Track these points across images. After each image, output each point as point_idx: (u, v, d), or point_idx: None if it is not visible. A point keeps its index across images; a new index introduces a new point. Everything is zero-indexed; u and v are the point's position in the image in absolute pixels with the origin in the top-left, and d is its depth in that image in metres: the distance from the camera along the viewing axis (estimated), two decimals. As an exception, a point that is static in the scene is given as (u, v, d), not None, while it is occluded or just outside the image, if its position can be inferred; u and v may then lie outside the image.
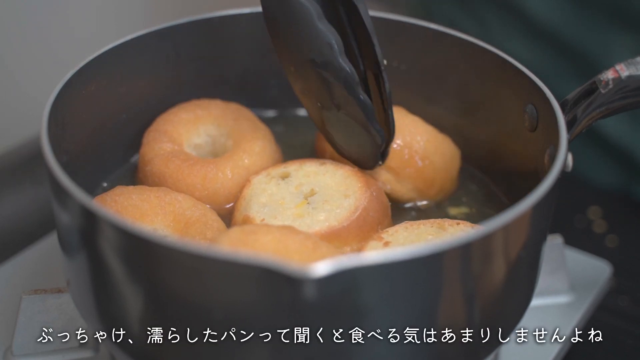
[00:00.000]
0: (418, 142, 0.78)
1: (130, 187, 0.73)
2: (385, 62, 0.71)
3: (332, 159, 0.80)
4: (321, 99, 0.73)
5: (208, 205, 0.75)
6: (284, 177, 0.76)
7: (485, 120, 0.81)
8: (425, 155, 0.78)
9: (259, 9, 0.84)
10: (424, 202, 0.80)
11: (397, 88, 0.86)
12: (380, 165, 0.75)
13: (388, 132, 0.73)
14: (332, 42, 0.68)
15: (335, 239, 0.70)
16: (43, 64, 1.09)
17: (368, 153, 0.74)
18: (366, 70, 0.73)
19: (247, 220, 0.72)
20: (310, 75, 0.71)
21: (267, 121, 0.85)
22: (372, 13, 0.84)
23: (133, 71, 0.80)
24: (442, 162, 0.79)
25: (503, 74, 0.77)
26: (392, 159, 0.77)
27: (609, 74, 0.71)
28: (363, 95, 0.69)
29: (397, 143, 0.78)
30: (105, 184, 0.80)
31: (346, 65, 0.68)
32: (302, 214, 0.72)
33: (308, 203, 0.73)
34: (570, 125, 0.70)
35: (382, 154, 0.74)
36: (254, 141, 0.80)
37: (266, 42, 0.85)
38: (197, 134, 0.82)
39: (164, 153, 0.78)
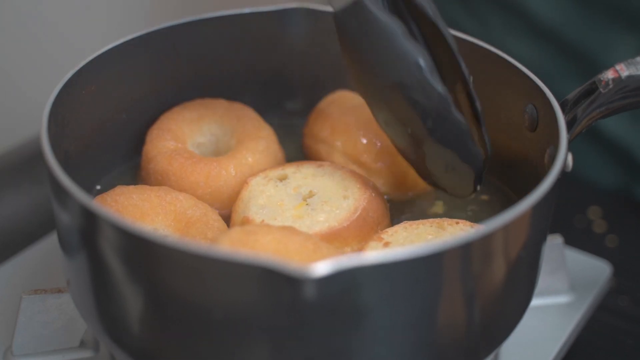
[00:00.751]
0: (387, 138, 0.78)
1: (131, 187, 0.73)
2: (471, 78, 0.67)
3: (318, 157, 0.80)
4: (411, 125, 0.67)
5: (211, 205, 0.75)
6: (282, 179, 0.76)
7: (484, 120, 0.81)
8: (394, 150, 0.78)
9: (259, 9, 0.84)
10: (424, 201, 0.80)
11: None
12: (477, 190, 0.70)
13: (485, 152, 0.70)
14: (420, 62, 0.62)
15: (335, 239, 0.70)
16: (43, 64, 1.09)
17: (466, 178, 0.70)
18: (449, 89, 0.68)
19: (246, 222, 0.72)
20: (397, 101, 0.65)
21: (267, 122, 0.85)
22: (372, 13, 0.84)
23: (133, 71, 0.80)
24: None
25: (503, 74, 0.77)
26: (363, 154, 0.78)
27: (609, 74, 0.71)
28: (459, 115, 0.64)
29: (367, 138, 0.78)
30: (105, 184, 0.80)
31: (438, 84, 0.63)
32: (301, 215, 0.72)
33: (307, 204, 0.73)
34: (570, 125, 0.70)
35: (479, 178, 0.70)
36: (258, 140, 0.80)
37: (267, 42, 0.86)
38: (200, 132, 0.82)
39: (167, 151, 0.78)
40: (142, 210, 0.71)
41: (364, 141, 0.79)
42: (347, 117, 0.81)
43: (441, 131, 0.65)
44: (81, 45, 0.87)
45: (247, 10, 0.84)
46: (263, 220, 0.71)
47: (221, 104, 0.83)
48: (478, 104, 0.67)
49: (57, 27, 1.10)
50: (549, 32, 1.06)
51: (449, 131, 0.65)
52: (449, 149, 0.67)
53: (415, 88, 0.63)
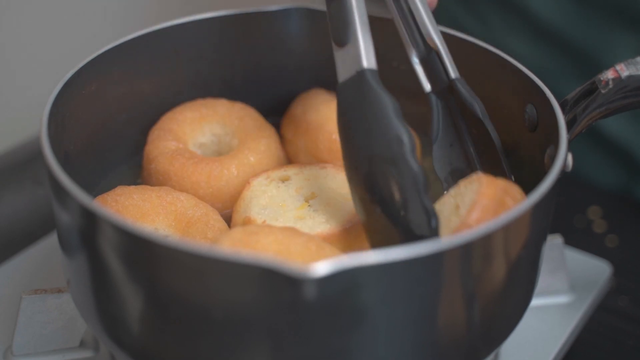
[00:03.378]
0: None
1: (132, 187, 0.73)
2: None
3: (290, 158, 0.82)
4: (381, 204, 0.66)
5: (212, 205, 0.75)
6: (284, 180, 0.76)
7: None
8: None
9: (259, 9, 0.84)
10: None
11: (397, 88, 0.86)
12: None
13: None
14: (403, 137, 0.64)
15: (337, 241, 0.70)
16: (43, 64, 1.09)
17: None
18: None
19: (248, 222, 0.72)
20: (373, 175, 0.66)
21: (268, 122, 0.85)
22: (372, 13, 0.84)
23: (133, 71, 0.80)
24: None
25: (503, 74, 0.77)
26: (325, 152, 0.80)
27: (609, 74, 0.71)
28: (427, 201, 0.63)
29: (328, 136, 0.80)
30: (105, 184, 0.80)
31: (414, 163, 0.63)
32: (303, 216, 0.72)
33: (309, 205, 0.73)
34: (570, 125, 0.70)
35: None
36: (260, 140, 0.80)
37: (267, 42, 0.86)
38: (202, 132, 0.82)
39: (169, 151, 0.78)
40: (143, 210, 0.71)
41: (325, 140, 0.79)
42: (309, 115, 0.81)
43: (406, 210, 0.64)
44: (81, 45, 0.87)
45: (247, 10, 0.84)
46: (265, 221, 0.71)
47: (223, 104, 0.83)
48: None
49: (57, 27, 1.10)
50: (549, 32, 1.06)
51: (415, 212, 0.63)
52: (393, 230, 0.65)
53: (391, 161, 0.64)
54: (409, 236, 0.64)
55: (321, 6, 0.84)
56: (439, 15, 1.16)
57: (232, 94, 0.86)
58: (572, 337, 0.81)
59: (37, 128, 0.67)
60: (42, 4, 1.07)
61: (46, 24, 1.09)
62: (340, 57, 0.68)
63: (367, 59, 0.67)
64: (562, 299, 0.83)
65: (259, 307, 0.57)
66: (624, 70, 0.71)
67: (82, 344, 0.75)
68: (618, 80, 0.70)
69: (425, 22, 0.75)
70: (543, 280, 0.81)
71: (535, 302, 0.80)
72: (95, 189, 0.79)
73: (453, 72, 0.74)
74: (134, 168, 0.82)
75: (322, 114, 0.80)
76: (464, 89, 0.73)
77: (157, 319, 0.61)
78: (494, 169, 0.73)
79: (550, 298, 0.83)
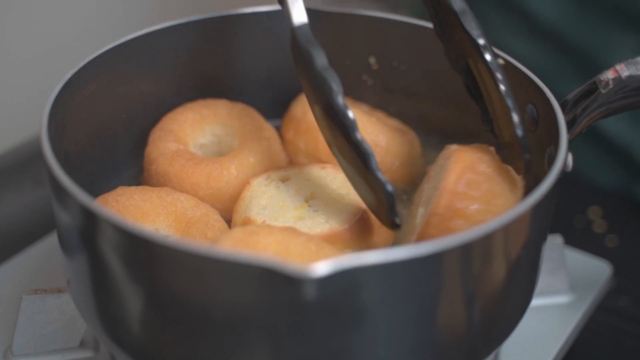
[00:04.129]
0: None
1: (133, 188, 0.73)
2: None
3: (291, 159, 0.81)
4: (336, 144, 0.70)
5: (212, 206, 0.75)
6: (284, 180, 0.76)
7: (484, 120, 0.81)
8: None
9: (260, 8, 0.84)
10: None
11: (397, 88, 0.86)
12: (398, 226, 0.68)
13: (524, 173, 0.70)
14: (328, 85, 0.67)
15: (336, 241, 0.70)
16: (43, 64, 1.09)
17: (376, 206, 0.69)
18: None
19: (247, 222, 0.72)
20: (321, 119, 0.71)
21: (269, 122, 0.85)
22: (372, 13, 0.84)
23: (133, 71, 0.80)
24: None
25: (503, 74, 0.77)
26: (324, 154, 0.79)
27: (609, 74, 0.71)
28: (361, 139, 0.66)
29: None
30: (105, 184, 0.80)
31: (343, 107, 0.66)
32: (302, 216, 0.72)
33: (309, 206, 0.73)
34: (570, 125, 0.70)
35: (391, 211, 0.67)
36: (260, 140, 0.80)
37: (267, 42, 0.86)
38: (202, 133, 0.82)
39: (169, 152, 0.78)
40: (143, 210, 0.71)
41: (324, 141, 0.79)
42: (309, 116, 0.81)
43: (350, 152, 0.68)
44: (81, 45, 0.87)
45: (247, 10, 0.84)
46: (264, 221, 0.71)
47: (223, 105, 0.83)
48: (519, 131, 0.69)
49: (57, 27, 1.10)
50: (549, 32, 1.06)
51: (355, 152, 0.67)
52: (357, 172, 0.69)
53: (327, 108, 0.68)
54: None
55: (321, 6, 0.84)
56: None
57: (233, 94, 0.86)
58: (572, 337, 0.81)
59: (37, 128, 0.67)
60: (42, 4, 1.07)
61: (46, 24, 1.09)
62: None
63: (296, 17, 0.70)
64: (562, 299, 0.83)
65: (259, 307, 0.57)
66: (624, 70, 0.71)
67: (82, 344, 0.75)
68: (618, 80, 0.70)
69: None
70: (543, 280, 0.81)
71: (535, 302, 0.80)
72: (95, 189, 0.79)
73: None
74: (134, 168, 0.82)
75: None
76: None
77: (157, 319, 0.61)
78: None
79: (550, 298, 0.83)
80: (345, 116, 0.66)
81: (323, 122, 0.70)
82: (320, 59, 0.68)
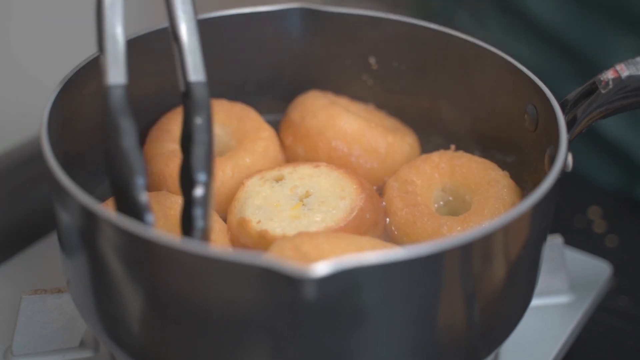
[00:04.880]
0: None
1: None
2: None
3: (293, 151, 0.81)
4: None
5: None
6: (278, 179, 0.76)
7: (485, 120, 0.81)
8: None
9: (260, 8, 0.84)
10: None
11: (397, 88, 0.86)
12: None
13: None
14: (134, 174, 0.60)
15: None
16: (43, 64, 1.09)
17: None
18: None
19: (242, 223, 0.72)
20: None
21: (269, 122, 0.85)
22: (372, 13, 0.84)
23: (133, 71, 0.79)
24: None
25: (503, 74, 0.77)
26: (324, 160, 0.79)
27: (609, 74, 0.71)
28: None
29: (327, 142, 0.79)
30: (105, 185, 0.80)
31: (141, 197, 0.60)
32: (298, 215, 0.72)
33: (304, 205, 0.73)
34: (570, 125, 0.70)
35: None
36: (257, 141, 0.80)
37: (266, 42, 0.86)
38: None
39: (166, 152, 0.78)
40: None
41: (325, 146, 0.79)
42: (307, 122, 0.81)
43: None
44: (81, 45, 0.87)
45: (247, 10, 0.84)
46: (260, 221, 0.71)
47: (222, 104, 0.83)
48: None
49: (57, 27, 1.10)
50: (548, 33, 1.06)
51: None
52: None
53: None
54: None
55: (321, 6, 0.84)
56: (437, 16, 1.17)
57: (232, 94, 0.86)
58: (572, 337, 0.81)
59: (37, 128, 0.67)
60: (42, 4, 1.07)
61: (46, 24, 1.09)
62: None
63: (112, 76, 0.63)
64: (562, 299, 0.83)
65: (259, 307, 0.57)
66: (624, 70, 0.71)
67: (82, 344, 0.75)
68: (618, 80, 0.70)
69: (176, 11, 0.68)
70: (543, 280, 0.81)
71: (535, 302, 0.80)
72: (95, 189, 0.79)
73: (193, 75, 0.68)
74: (134, 168, 0.82)
75: (320, 120, 0.80)
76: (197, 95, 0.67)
77: (157, 319, 0.61)
78: None
79: (550, 298, 0.83)
80: (143, 209, 0.60)
81: (117, 203, 0.62)
82: (129, 135, 0.60)
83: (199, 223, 0.62)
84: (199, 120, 0.65)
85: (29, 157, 1.02)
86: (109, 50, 0.64)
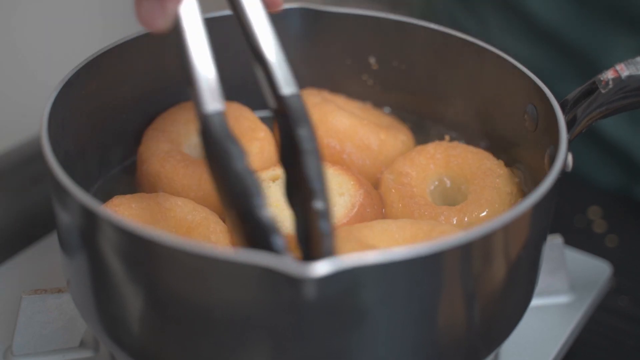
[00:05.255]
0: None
1: (128, 196, 0.72)
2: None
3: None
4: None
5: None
6: (275, 179, 0.76)
7: (485, 120, 0.81)
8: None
9: (259, 9, 0.84)
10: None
11: (397, 88, 0.86)
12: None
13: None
14: (249, 191, 0.58)
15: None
16: (43, 64, 1.09)
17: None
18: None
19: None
20: (237, 225, 0.60)
21: (267, 122, 0.85)
22: (372, 13, 0.84)
23: (133, 71, 0.80)
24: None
25: (503, 74, 0.77)
26: None
27: (609, 74, 0.71)
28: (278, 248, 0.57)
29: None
30: (105, 184, 0.80)
31: (265, 215, 0.57)
32: None
33: (302, 204, 0.73)
34: (570, 125, 0.70)
35: None
36: (253, 141, 0.79)
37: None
38: (196, 133, 0.81)
39: (161, 152, 0.78)
40: (143, 219, 0.70)
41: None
42: None
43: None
44: (81, 45, 0.87)
45: (247, 10, 0.84)
46: None
47: (219, 104, 0.83)
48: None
49: (57, 27, 1.10)
50: (549, 32, 1.06)
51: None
52: None
53: (243, 217, 0.59)
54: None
55: (321, 6, 0.84)
56: (438, 16, 1.17)
57: (229, 93, 0.85)
58: (572, 337, 0.81)
59: (37, 128, 0.67)
60: (42, 4, 1.07)
61: (46, 24, 1.09)
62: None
63: (209, 103, 0.62)
64: (562, 299, 0.83)
65: (259, 307, 0.57)
66: (624, 70, 0.71)
67: (82, 344, 0.75)
68: (618, 80, 0.70)
69: (254, 30, 0.67)
70: (543, 280, 0.81)
71: (535, 302, 0.80)
72: (95, 189, 0.79)
73: (286, 88, 0.65)
74: (133, 168, 0.82)
75: (313, 117, 0.79)
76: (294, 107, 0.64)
77: (157, 319, 0.61)
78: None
79: (550, 298, 0.83)
80: (270, 230, 0.57)
81: (239, 229, 0.59)
82: (240, 159, 0.59)
83: (326, 241, 0.58)
84: (303, 132, 0.63)
85: (29, 157, 1.02)
86: (200, 79, 0.62)
